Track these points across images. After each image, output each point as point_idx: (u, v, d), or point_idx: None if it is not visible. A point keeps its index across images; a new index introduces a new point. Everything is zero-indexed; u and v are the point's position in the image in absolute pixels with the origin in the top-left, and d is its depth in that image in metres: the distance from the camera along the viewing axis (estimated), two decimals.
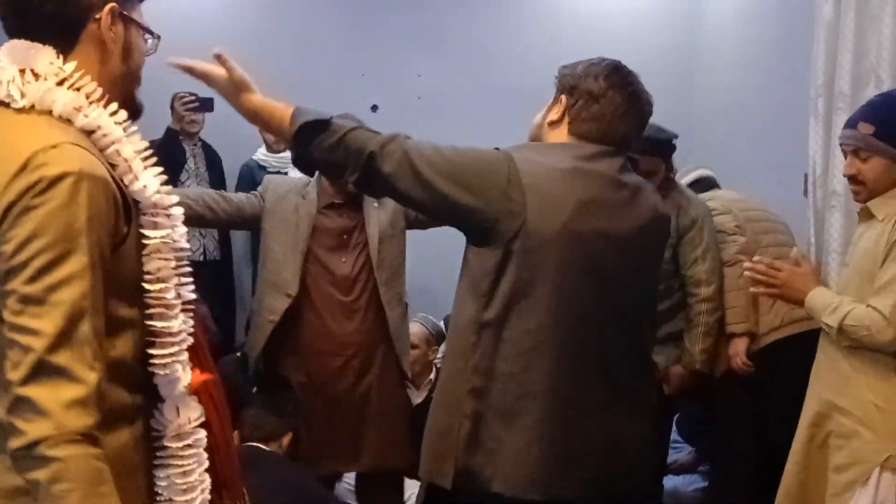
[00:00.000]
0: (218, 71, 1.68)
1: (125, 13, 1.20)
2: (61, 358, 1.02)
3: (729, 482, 3.00)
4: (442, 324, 4.00)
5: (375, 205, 2.67)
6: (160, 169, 1.20)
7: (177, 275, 1.18)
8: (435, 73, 4.89)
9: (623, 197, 1.71)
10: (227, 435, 1.32)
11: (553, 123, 1.78)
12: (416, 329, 3.42)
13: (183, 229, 1.20)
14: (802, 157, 2.73)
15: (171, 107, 4.14)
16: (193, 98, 3.96)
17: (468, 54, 4.90)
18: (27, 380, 1.01)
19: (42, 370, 1.01)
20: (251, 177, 4.25)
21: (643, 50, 4.74)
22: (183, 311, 1.19)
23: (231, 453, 1.32)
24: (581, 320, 1.63)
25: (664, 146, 2.87)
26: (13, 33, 1.16)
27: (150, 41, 1.28)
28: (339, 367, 2.63)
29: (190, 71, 1.67)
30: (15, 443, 1.01)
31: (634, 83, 1.79)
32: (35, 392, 1.01)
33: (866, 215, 2.17)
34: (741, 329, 2.86)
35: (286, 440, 2.52)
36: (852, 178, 2.17)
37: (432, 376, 3.45)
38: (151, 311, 1.14)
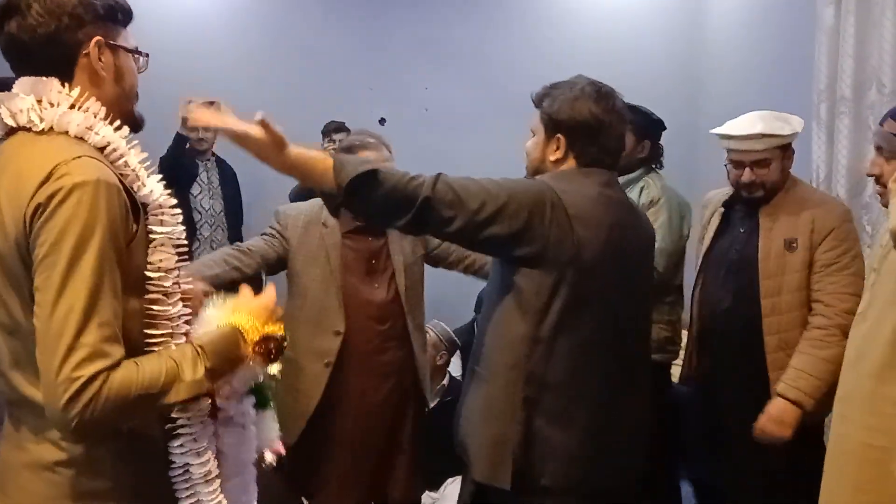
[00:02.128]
0: (255, 130, 1.68)
1: (111, 42, 1.34)
2: (88, 338, 1.15)
3: None
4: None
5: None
6: (160, 176, 1.35)
7: (177, 267, 1.33)
8: (442, 85, 4.94)
9: (633, 217, 1.93)
10: None
11: (557, 161, 1.88)
12: None
13: (182, 228, 1.35)
14: (806, 161, 2.76)
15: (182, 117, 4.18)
16: (200, 103, 4.00)
17: (475, 67, 4.95)
18: (64, 361, 1.14)
19: (73, 350, 1.14)
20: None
21: (648, 59, 4.79)
22: (181, 300, 1.34)
23: None
24: (618, 332, 1.83)
25: (639, 117, 2.93)
26: (18, 74, 1.32)
27: (140, 60, 1.42)
28: (379, 401, 2.47)
29: (229, 133, 1.70)
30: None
31: (614, 98, 1.90)
32: (69, 372, 1.14)
33: None
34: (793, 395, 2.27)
35: None
36: (876, 179, 2.02)
37: (445, 381, 3.45)
38: (151, 296, 1.28)
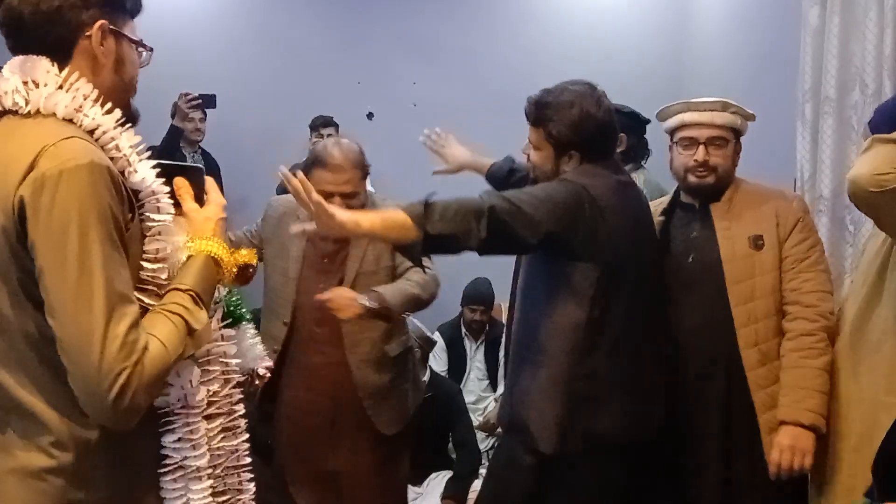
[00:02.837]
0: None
1: (116, 29, 1.29)
2: (118, 328, 1.12)
3: None
4: (437, 334, 4.01)
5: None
6: (153, 162, 1.29)
7: (172, 258, 1.27)
8: (430, 80, 4.94)
9: (640, 197, 2.16)
10: None
11: (574, 169, 2.03)
12: None
13: (171, 216, 1.28)
14: (790, 161, 2.78)
15: (173, 110, 4.18)
16: (197, 96, 4.05)
17: (463, 62, 4.95)
18: (101, 358, 1.11)
19: (107, 345, 1.11)
20: None
21: (633, 58, 4.81)
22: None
23: None
24: (645, 308, 2.06)
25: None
26: (14, 51, 1.26)
27: (143, 54, 1.36)
28: (313, 400, 2.47)
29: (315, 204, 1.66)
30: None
31: (602, 93, 2.07)
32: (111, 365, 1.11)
33: None
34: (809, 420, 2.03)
35: None
36: None
37: (426, 377, 3.44)
38: (144, 286, 1.22)
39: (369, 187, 4.71)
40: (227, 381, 1.35)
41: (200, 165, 1.43)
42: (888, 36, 2.34)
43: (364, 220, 1.73)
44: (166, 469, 1.28)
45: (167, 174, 1.31)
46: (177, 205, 1.32)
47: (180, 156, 4.19)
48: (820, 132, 2.59)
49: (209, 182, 1.39)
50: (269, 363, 1.51)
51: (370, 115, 5.07)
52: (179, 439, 1.28)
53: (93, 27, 1.25)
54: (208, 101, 4.11)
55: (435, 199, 1.78)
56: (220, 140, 4.44)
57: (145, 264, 1.22)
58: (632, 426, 2.04)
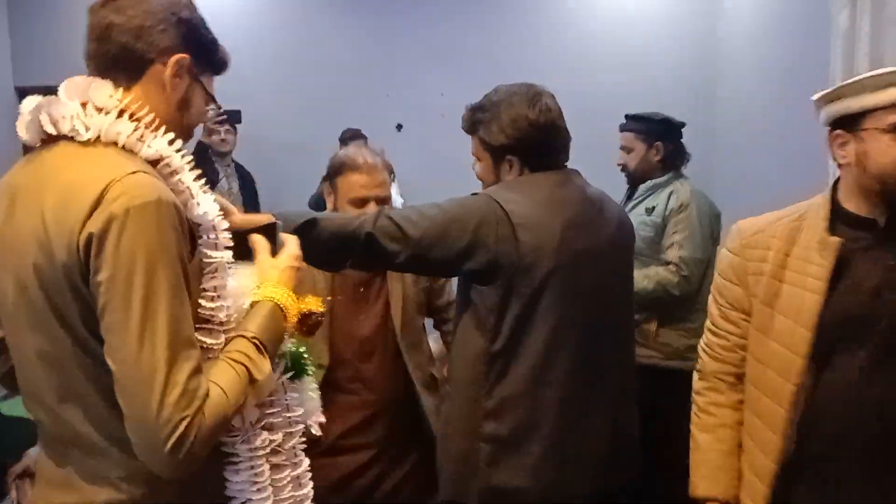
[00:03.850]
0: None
1: (195, 72, 1.27)
2: (180, 375, 1.08)
3: None
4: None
5: None
6: (213, 196, 1.26)
7: (230, 294, 1.24)
8: (458, 90, 4.90)
9: (594, 212, 1.84)
10: None
11: (516, 178, 1.85)
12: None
13: (230, 252, 1.24)
14: (822, 165, 2.75)
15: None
16: (221, 111, 4.11)
17: (491, 71, 4.91)
18: (162, 405, 1.07)
19: (168, 392, 1.07)
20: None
21: (662, 64, 4.80)
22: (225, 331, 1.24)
23: None
24: (581, 335, 1.77)
25: (641, 124, 3.00)
26: (89, 58, 1.24)
27: (211, 111, 1.35)
28: (363, 442, 2.15)
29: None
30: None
31: (541, 94, 1.86)
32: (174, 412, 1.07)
33: None
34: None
35: None
36: None
37: None
38: (202, 325, 1.18)
39: (398, 197, 4.77)
40: (290, 434, 1.32)
41: (275, 220, 1.42)
42: None
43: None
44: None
45: (241, 234, 1.32)
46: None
47: (211, 170, 4.26)
48: None
49: (284, 236, 1.39)
50: (322, 419, 1.44)
51: (399, 127, 5.11)
52: (244, 480, 1.25)
53: (171, 57, 1.23)
54: (232, 116, 4.21)
55: (317, 219, 1.68)
56: (250, 153, 4.51)
57: (203, 302, 1.18)
58: (548, 485, 1.74)
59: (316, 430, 1.41)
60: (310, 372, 1.40)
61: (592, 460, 1.80)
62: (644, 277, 2.80)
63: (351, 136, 4.63)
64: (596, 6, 5.05)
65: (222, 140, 4.33)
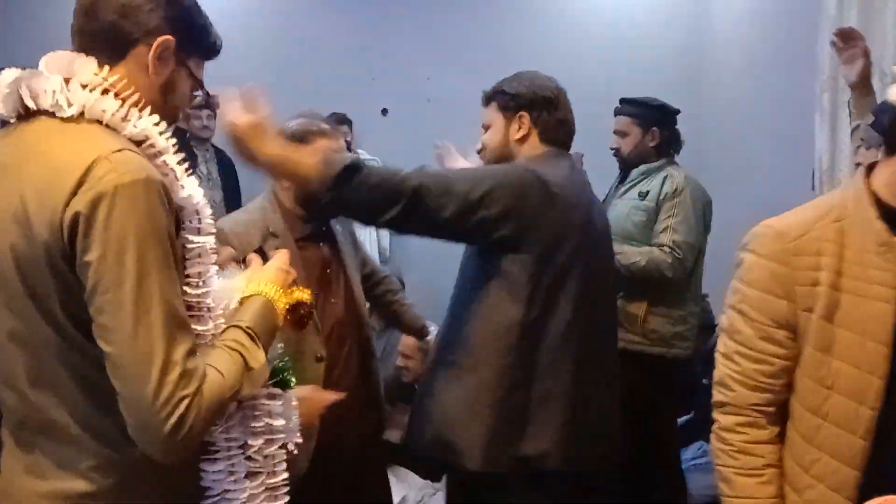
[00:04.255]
0: (237, 114, 1.58)
1: (181, 55, 1.23)
2: (177, 356, 1.06)
3: None
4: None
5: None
6: (198, 180, 1.22)
7: (214, 278, 1.22)
8: (444, 75, 4.94)
9: (595, 200, 2.01)
10: None
11: (522, 139, 1.95)
12: (410, 341, 3.33)
13: (213, 237, 1.22)
14: (810, 151, 2.75)
15: None
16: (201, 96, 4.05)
17: (477, 57, 4.93)
18: (160, 385, 1.04)
19: (167, 372, 1.05)
20: None
21: (652, 51, 4.78)
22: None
23: None
24: (591, 311, 1.86)
25: (638, 109, 2.97)
26: (74, 35, 1.20)
27: (198, 96, 1.31)
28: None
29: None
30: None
31: (561, 89, 2.01)
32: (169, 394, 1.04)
33: None
34: None
35: None
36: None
37: None
38: (190, 312, 1.15)
39: None
40: (270, 441, 1.29)
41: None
42: None
43: (269, 148, 1.59)
44: (209, 501, 1.24)
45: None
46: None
47: (190, 155, 4.21)
48: (838, 122, 2.56)
49: (277, 251, 1.41)
50: (300, 439, 1.39)
51: (385, 112, 5.07)
52: (220, 471, 1.23)
53: (157, 38, 1.19)
54: (209, 102, 4.10)
55: (362, 165, 1.66)
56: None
57: (188, 289, 1.15)
58: (570, 454, 1.80)
59: (293, 449, 1.36)
60: (292, 384, 1.38)
61: (604, 433, 1.89)
62: (637, 253, 2.78)
63: (337, 121, 4.58)
64: None
65: (204, 126, 4.27)
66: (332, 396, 1.60)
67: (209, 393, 1.08)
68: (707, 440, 3.80)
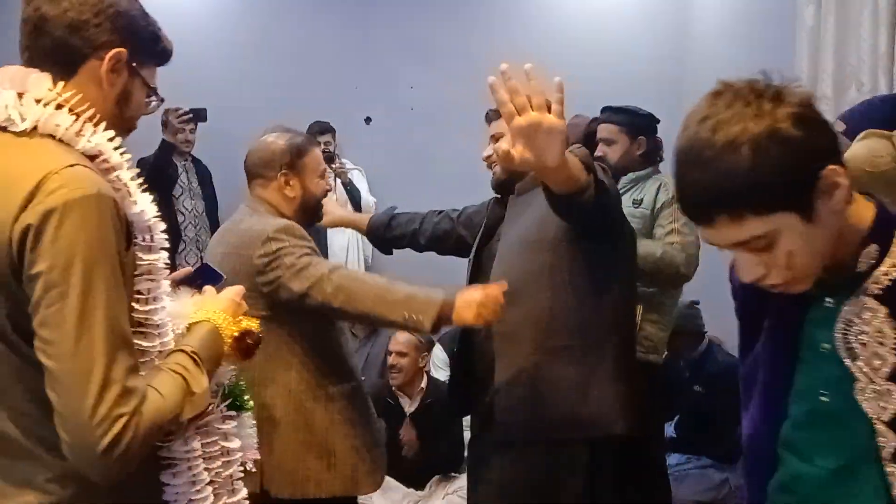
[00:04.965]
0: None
1: (134, 66, 1.23)
2: (117, 373, 1.05)
3: None
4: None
5: None
6: (151, 196, 1.23)
7: (164, 296, 1.21)
8: (428, 84, 4.95)
9: None
10: None
11: None
12: (403, 338, 3.39)
13: (166, 254, 1.22)
14: None
15: (164, 121, 4.19)
16: (188, 111, 4.06)
17: (461, 65, 4.92)
18: (98, 402, 1.03)
19: (106, 389, 1.04)
20: None
21: (632, 60, 4.81)
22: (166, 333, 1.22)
23: None
24: None
25: (625, 117, 2.98)
26: (23, 51, 1.20)
27: (153, 102, 1.31)
28: None
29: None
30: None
31: None
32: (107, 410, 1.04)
33: None
34: None
35: None
36: None
37: (423, 384, 3.45)
38: (137, 329, 1.15)
39: (369, 196, 4.75)
40: (227, 463, 1.30)
41: (221, 274, 1.45)
42: (883, 34, 2.35)
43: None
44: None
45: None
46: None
47: (172, 168, 4.20)
48: None
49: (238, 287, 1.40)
50: (257, 456, 1.41)
51: (368, 120, 5.07)
52: (184, 482, 1.23)
53: (108, 52, 1.19)
54: (199, 115, 4.12)
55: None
56: (214, 148, 4.43)
57: (136, 305, 1.15)
58: (638, 419, 1.99)
59: (250, 467, 1.39)
60: (248, 406, 1.39)
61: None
62: (652, 243, 2.76)
63: (319, 130, 4.57)
64: (567, 3, 5.06)
65: (186, 140, 4.26)
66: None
67: (148, 413, 1.07)
68: (693, 451, 3.78)
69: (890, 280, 1.05)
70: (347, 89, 4.95)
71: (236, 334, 1.30)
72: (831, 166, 0.99)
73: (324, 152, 4.65)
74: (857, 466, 1.07)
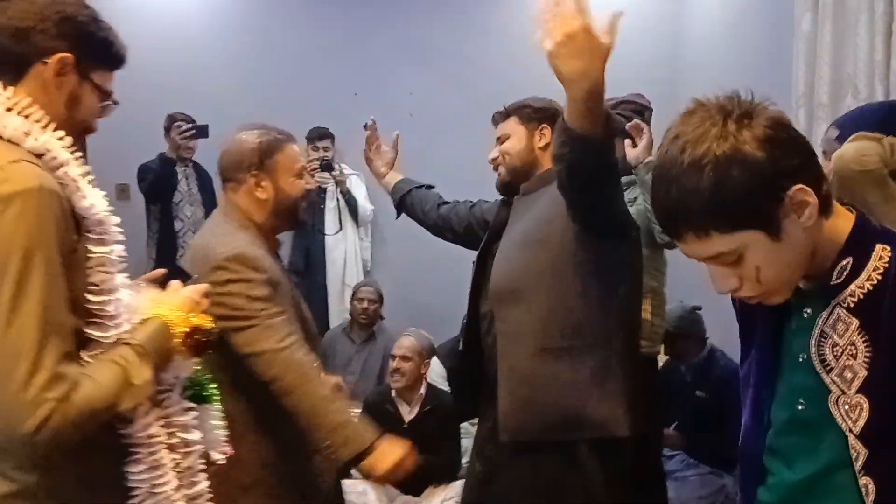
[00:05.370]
0: None
1: (82, 69, 1.25)
2: (48, 359, 1.09)
3: None
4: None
5: None
6: (103, 192, 1.25)
7: (119, 287, 1.24)
8: (427, 90, 4.96)
9: None
10: None
11: (545, 147, 2.10)
12: (408, 342, 3.41)
13: (121, 247, 1.25)
14: None
15: (166, 130, 4.19)
16: (191, 126, 4.08)
17: (460, 71, 4.96)
18: (26, 385, 1.07)
19: (35, 373, 1.08)
20: None
21: (628, 65, 4.80)
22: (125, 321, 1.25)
23: None
24: None
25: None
26: None
27: (109, 106, 1.33)
28: None
29: None
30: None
31: None
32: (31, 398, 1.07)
33: None
34: None
35: None
36: None
37: (423, 391, 3.45)
38: (91, 319, 1.19)
39: (367, 204, 4.75)
40: (187, 454, 1.32)
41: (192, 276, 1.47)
42: (879, 42, 2.36)
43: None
44: (138, 499, 1.26)
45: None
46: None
47: (172, 174, 4.23)
48: (813, 137, 2.60)
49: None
50: (228, 449, 1.42)
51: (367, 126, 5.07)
52: (146, 468, 1.26)
53: (53, 56, 1.22)
54: (201, 132, 4.14)
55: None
56: (213, 154, 4.43)
57: (90, 297, 1.19)
58: (636, 419, 1.97)
59: (219, 457, 1.39)
60: (214, 399, 1.40)
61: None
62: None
63: (319, 136, 4.58)
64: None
65: (188, 148, 4.27)
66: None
67: (80, 400, 1.11)
68: (693, 456, 3.78)
69: (864, 293, 1.06)
70: (346, 95, 4.95)
71: (186, 330, 1.32)
72: (798, 186, 1.00)
73: (322, 160, 4.68)
74: (834, 474, 1.09)
